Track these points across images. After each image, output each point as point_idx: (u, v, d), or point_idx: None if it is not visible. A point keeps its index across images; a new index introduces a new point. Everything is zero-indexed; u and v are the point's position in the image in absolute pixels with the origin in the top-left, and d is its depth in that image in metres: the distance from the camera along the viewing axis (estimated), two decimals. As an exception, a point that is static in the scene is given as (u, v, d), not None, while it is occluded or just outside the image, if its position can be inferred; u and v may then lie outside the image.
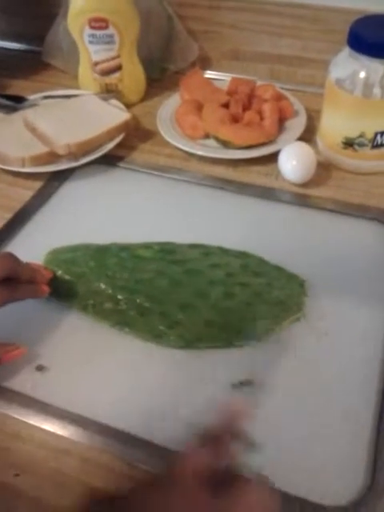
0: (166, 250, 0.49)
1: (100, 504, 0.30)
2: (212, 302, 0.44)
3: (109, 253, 0.48)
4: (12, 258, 0.42)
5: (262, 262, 0.48)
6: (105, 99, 0.69)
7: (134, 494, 0.29)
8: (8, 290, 0.41)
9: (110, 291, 0.45)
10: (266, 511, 0.29)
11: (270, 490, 0.33)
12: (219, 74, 0.77)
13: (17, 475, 0.37)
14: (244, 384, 0.40)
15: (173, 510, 0.28)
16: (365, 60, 0.52)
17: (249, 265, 0.47)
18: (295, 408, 0.39)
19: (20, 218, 0.56)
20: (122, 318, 0.44)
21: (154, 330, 0.43)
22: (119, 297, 0.44)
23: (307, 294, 0.46)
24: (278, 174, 0.59)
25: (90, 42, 0.68)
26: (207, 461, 0.30)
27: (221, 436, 0.32)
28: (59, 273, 0.47)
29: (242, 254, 0.49)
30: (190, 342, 0.43)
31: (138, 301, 0.44)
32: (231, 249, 0.49)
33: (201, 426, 0.32)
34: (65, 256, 0.49)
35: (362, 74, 0.53)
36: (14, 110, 0.69)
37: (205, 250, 0.49)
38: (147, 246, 0.49)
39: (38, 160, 0.61)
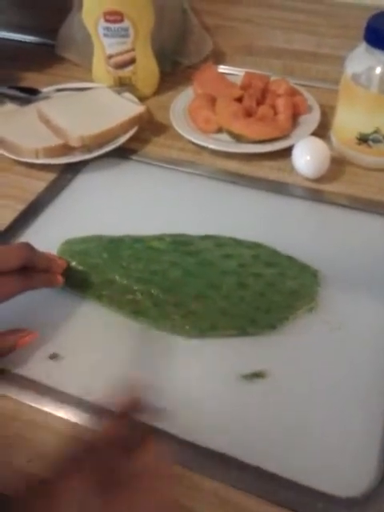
0: (179, 242, 0.49)
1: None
2: (225, 293, 0.44)
3: (122, 244, 0.49)
4: (29, 247, 0.42)
5: (274, 252, 0.48)
6: (118, 92, 0.69)
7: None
8: (24, 278, 0.41)
9: (125, 282, 0.45)
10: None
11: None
12: (233, 68, 0.76)
13: (30, 461, 0.38)
14: (257, 376, 0.41)
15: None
16: (381, 56, 0.52)
17: (261, 255, 0.48)
18: (306, 399, 0.39)
19: (33, 209, 0.57)
20: (136, 308, 0.44)
21: (168, 319, 0.43)
22: (135, 288, 0.45)
23: (320, 284, 0.46)
24: (291, 169, 0.59)
25: (105, 35, 0.68)
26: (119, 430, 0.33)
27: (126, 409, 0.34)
28: (73, 263, 0.47)
29: (255, 245, 0.49)
30: (204, 331, 0.43)
31: (152, 291, 0.44)
32: (244, 240, 0.49)
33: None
34: (78, 247, 0.49)
35: (379, 70, 0.52)
36: (27, 102, 0.69)
37: (217, 241, 0.49)
38: (160, 237, 0.49)
39: (51, 152, 0.61)
